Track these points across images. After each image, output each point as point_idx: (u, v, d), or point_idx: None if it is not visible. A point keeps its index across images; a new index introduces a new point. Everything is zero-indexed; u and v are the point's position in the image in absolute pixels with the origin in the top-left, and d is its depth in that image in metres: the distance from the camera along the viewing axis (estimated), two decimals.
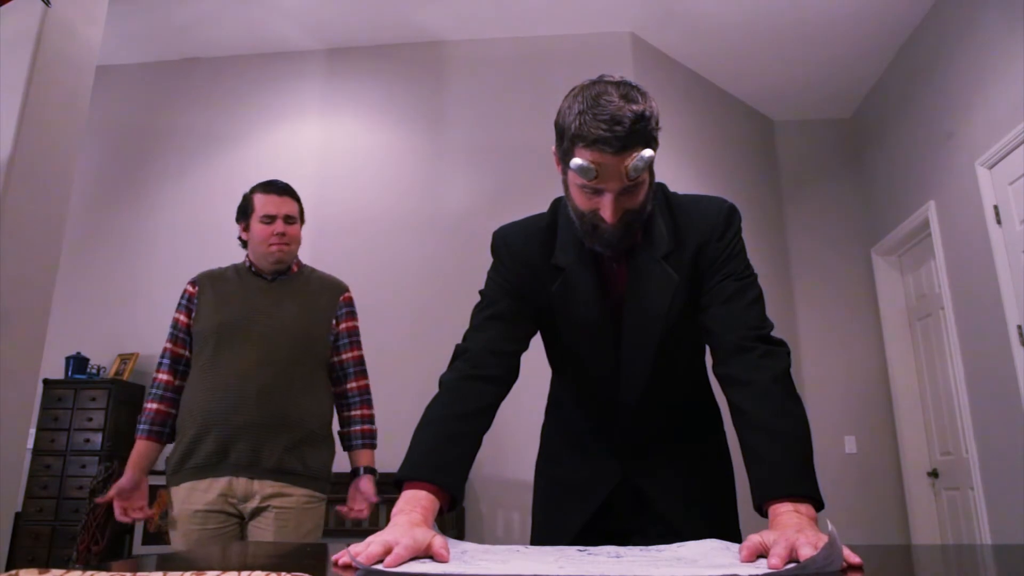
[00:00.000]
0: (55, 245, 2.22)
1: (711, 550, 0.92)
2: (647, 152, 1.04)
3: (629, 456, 1.26)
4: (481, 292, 1.25)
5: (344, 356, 2.06)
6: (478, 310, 1.23)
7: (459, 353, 1.18)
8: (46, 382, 3.49)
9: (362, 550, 0.83)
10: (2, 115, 2.03)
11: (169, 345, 1.98)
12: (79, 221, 3.75)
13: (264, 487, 1.83)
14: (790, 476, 0.96)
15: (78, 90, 2.32)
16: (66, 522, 3.29)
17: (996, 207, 3.16)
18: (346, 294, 2.11)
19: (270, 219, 1.99)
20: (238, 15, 3.91)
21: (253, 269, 2.05)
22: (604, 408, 1.26)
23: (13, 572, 0.59)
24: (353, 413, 2.05)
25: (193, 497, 1.82)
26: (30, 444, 3.26)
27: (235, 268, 2.10)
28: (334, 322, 2.05)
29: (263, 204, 2.01)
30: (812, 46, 4.02)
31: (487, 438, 1.11)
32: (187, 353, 1.98)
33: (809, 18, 3.78)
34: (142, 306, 3.83)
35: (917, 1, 3.65)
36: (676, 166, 3.88)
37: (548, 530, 1.29)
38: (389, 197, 3.81)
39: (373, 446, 2.05)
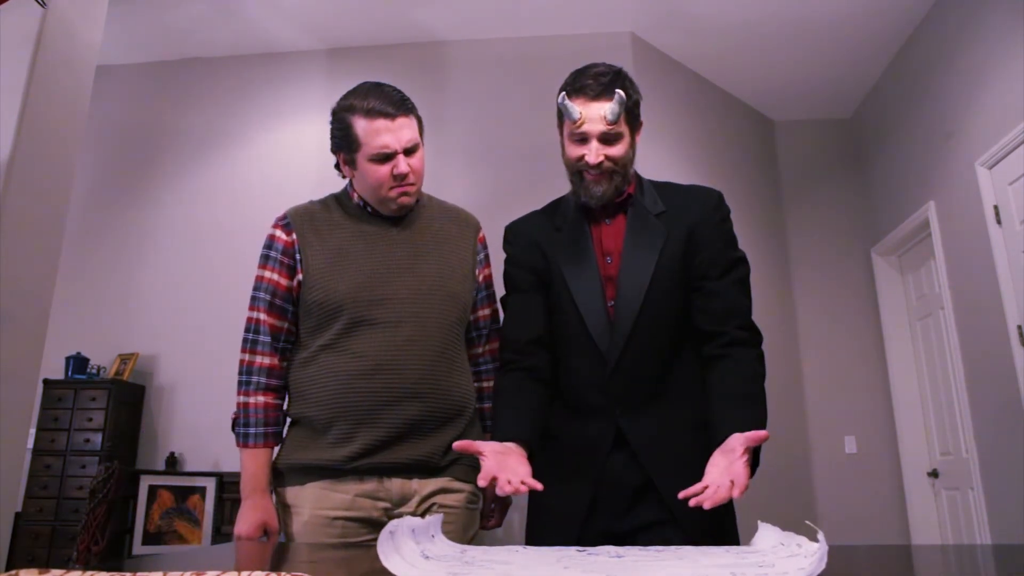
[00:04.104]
0: (55, 245, 2.22)
1: (713, 552, 0.92)
2: (622, 93, 1.28)
3: (623, 415, 1.33)
4: (506, 280, 1.48)
5: (480, 312, 1.63)
6: (513, 302, 1.46)
7: (510, 352, 1.42)
8: (46, 382, 3.49)
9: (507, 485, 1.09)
10: (2, 115, 2.02)
11: (263, 316, 1.48)
12: (79, 221, 3.75)
13: (425, 486, 1.45)
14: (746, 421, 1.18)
15: (78, 90, 2.32)
16: (66, 522, 3.29)
17: (996, 207, 3.16)
18: (481, 232, 1.66)
19: (386, 157, 1.44)
20: (238, 15, 3.90)
21: (369, 209, 1.53)
22: (596, 368, 1.35)
23: (13, 572, 0.59)
24: (486, 384, 1.63)
25: (329, 499, 1.41)
26: (30, 444, 3.27)
27: (338, 203, 1.57)
28: (476, 271, 1.60)
29: (371, 135, 1.43)
30: (812, 46, 4.02)
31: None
32: (288, 325, 1.50)
33: (809, 18, 3.78)
34: (142, 306, 3.83)
35: (917, 1, 3.65)
36: (676, 166, 3.88)
37: (546, 524, 1.34)
38: None
39: None
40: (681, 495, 1.06)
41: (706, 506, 1.02)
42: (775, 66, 4.20)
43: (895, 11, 3.72)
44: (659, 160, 3.78)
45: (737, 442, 1.13)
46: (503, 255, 1.53)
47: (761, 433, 1.11)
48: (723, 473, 1.10)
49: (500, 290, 1.69)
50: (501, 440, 1.26)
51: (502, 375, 1.44)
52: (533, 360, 1.40)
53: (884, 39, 3.96)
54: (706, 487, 1.07)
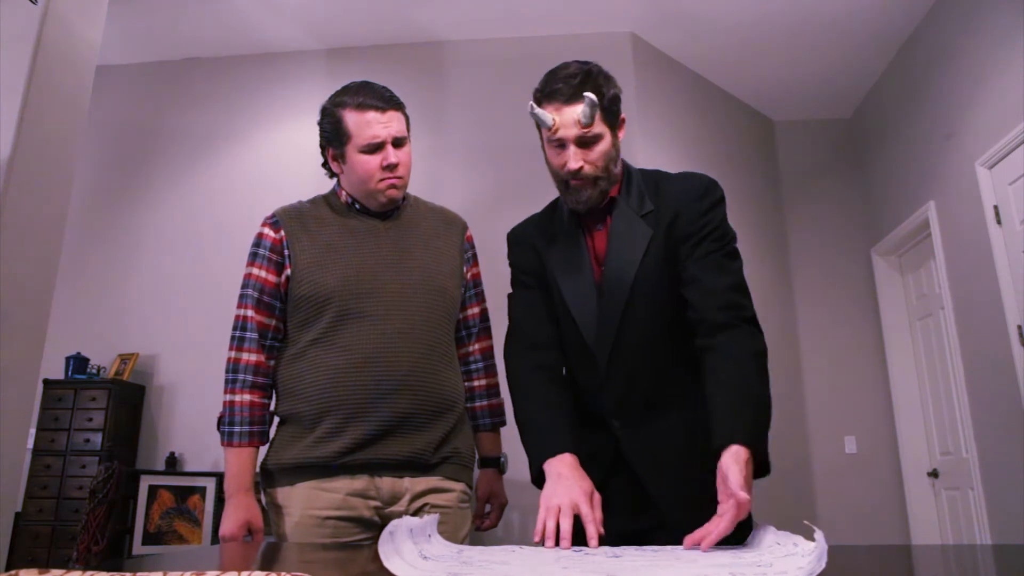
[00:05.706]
0: (55, 245, 2.21)
1: (710, 551, 0.92)
2: (592, 96, 1.22)
3: (623, 428, 1.31)
4: (514, 282, 1.46)
5: (469, 311, 1.65)
6: (522, 298, 1.42)
7: (525, 347, 1.37)
8: (46, 382, 3.49)
9: (553, 530, 1.02)
10: (2, 115, 2.02)
11: (251, 313, 1.49)
12: (79, 221, 3.75)
13: (416, 484, 1.45)
14: (739, 426, 1.09)
15: (78, 90, 2.31)
16: (66, 522, 3.29)
17: (996, 207, 3.16)
18: (468, 231, 1.67)
19: (375, 148, 1.48)
20: (238, 15, 3.91)
21: (357, 206, 1.56)
22: (592, 377, 1.33)
23: (13, 572, 0.59)
24: (476, 383, 1.65)
25: (319, 499, 1.40)
26: (30, 444, 3.27)
27: (326, 202, 1.59)
28: (464, 269, 1.63)
29: (362, 126, 1.47)
30: (812, 46, 4.02)
31: None
32: (276, 323, 1.51)
33: (809, 18, 3.78)
34: (142, 306, 3.83)
35: (917, 1, 3.65)
36: (676, 166, 3.86)
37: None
38: None
39: (502, 423, 1.66)
40: (686, 544, 0.98)
41: (704, 548, 0.94)
42: (775, 66, 4.20)
43: (895, 11, 3.71)
44: (659, 160, 3.78)
45: (726, 466, 1.04)
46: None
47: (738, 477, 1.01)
48: (721, 506, 1.02)
49: (492, 292, 1.70)
50: (551, 453, 1.21)
51: (523, 371, 1.36)
52: (551, 357, 1.36)
53: (884, 39, 3.96)
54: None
